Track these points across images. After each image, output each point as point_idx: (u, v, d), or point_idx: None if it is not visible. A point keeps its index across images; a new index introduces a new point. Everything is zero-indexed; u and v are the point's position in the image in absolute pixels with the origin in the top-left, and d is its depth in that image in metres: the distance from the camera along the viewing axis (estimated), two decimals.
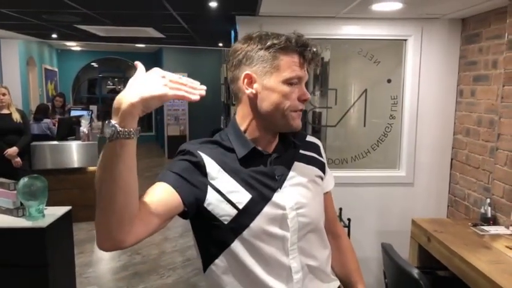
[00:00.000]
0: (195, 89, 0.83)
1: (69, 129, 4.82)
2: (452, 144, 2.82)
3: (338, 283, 1.16)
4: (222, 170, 1.00)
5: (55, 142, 4.67)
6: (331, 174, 1.24)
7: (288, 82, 0.99)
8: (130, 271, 3.41)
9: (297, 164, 1.09)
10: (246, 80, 1.01)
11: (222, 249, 1.01)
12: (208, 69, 8.74)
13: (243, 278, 1.01)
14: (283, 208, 1.01)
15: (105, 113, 10.90)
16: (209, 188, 0.98)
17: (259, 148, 1.05)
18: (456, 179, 2.78)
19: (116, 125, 0.78)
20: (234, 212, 0.98)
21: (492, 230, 2.16)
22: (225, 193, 0.98)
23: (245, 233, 0.98)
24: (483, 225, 2.22)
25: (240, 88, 1.03)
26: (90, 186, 4.61)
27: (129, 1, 2.89)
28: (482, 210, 2.32)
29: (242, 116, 1.06)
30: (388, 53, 2.86)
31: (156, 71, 0.81)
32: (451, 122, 2.80)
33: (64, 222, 2.48)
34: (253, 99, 1.02)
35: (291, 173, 1.06)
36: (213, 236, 1.01)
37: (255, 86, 1.01)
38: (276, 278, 1.01)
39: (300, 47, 0.98)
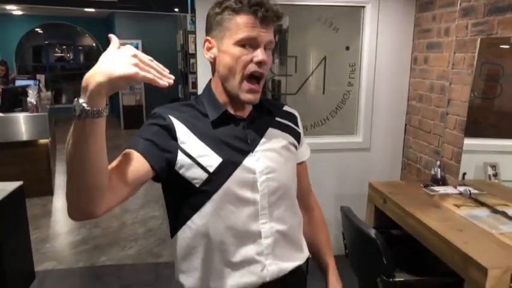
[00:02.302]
0: (163, 76, 0.80)
1: (14, 100, 4.52)
2: (406, 110, 2.93)
3: (307, 255, 1.18)
4: (192, 133, 1.00)
5: (0, 114, 4.37)
6: (307, 145, 1.25)
7: (240, 44, 0.97)
8: (90, 245, 3.35)
9: (271, 130, 1.09)
10: (206, 45, 1.03)
11: (193, 212, 1.02)
12: (164, 36, 8.42)
13: (211, 242, 1.02)
14: (253, 172, 1.02)
15: (54, 83, 10.34)
16: (179, 152, 0.98)
17: (232, 112, 1.05)
18: (409, 143, 2.92)
19: (84, 104, 0.75)
20: (204, 175, 0.98)
21: (441, 190, 2.30)
22: (195, 157, 0.98)
23: (215, 196, 0.99)
24: (433, 186, 2.36)
25: (204, 54, 1.05)
26: (42, 159, 4.45)
27: None
28: (433, 172, 2.46)
29: (213, 81, 1.07)
30: (346, 20, 2.87)
31: (128, 48, 0.77)
32: (406, 89, 2.90)
33: (15, 197, 2.38)
34: (213, 64, 1.04)
35: (264, 138, 1.06)
36: (184, 199, 1.02)
37: (213, 50, 1.02)
38: (245, 242, 1.02)
39: (252, 7, 0.95)
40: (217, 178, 0.99)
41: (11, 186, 2.33)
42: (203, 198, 1.00)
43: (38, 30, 10.01)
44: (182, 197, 1.02)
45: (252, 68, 0.98)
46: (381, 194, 2.33)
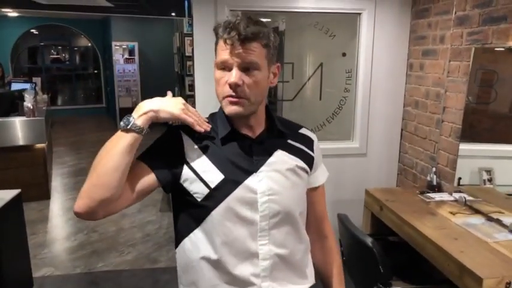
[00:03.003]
0: (203, 123, 1.02)
1: (11, 105, 4.50)
2: (402, 115, 2.95)
3: (311, 283, 1.16)
4: (198, 149, 1.04)
5: None
6: (324, 170, 1.23)
7: (218, 67, 1.01)
8: (87, 250, 3.35)
9: (280, 152, 1.09)
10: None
11: (195, 226, 1.05)
12: (160, 38, 8.42)
13: (209, 257, 1.03)
14: (254, 192, 1.03)
15: (50, 84, 10.30)
16: (185, 166, 1.03)
17: (241, 131, 1.07)
18: (405, 149, 2.94)
19: (133, 119, 0.95)
20: (206, 190, 1.01)
21: (437, 197, 2.32)
22: (199, 172, 1.02)
23: (215, 212, 1.01)
24: (429, 193, 2.38)
25: None
26: (39, 164, 4.44)
27: None
28: (429, 178, 2.49)
29: None
30: (343, 27, 2.89)
31: (181, 99, 1.01)
32: (402, 95, 2.92)
33: (13, 205, 2.38)
34: None
35: (271, 159, 1.07)
36: (187, 211, 1.06)
37: None
38: (242, 262, 1.03)
39: (225, 29, 0.97)
40: (217, 194, 1.01)
41: (9, 194, 2.33)
42: (204, 213, 1.02)
43: (34, 31, 9.98)
44: (186, 210, 1.06)
45: (226, 90, 1.00)
46: (377, 201, 2.35)
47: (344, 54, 2.91)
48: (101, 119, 9.69)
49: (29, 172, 4.28)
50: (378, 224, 2.38)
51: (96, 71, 10.74)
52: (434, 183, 2.44)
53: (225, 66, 0.99)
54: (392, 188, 2.84)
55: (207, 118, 1.11)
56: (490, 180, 2.33)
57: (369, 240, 1.80)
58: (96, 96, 10.89)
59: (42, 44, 10.53)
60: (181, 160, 1.03)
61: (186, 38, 5.96)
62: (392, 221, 2.18)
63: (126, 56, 8.85)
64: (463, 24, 2.23)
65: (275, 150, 1.09)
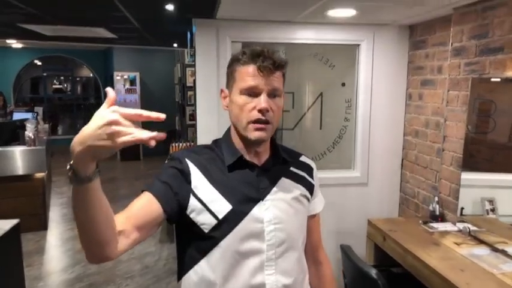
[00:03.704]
0: (151, 134, 0.72)
1: (12, 134, 4.52)
2: (402, 145, 2.95)
3: None
4: (205, 178, 1.03)
5: None
6: (321, 198, 1.26)
7: (244, 93, 1.02)
8: (85, 282, 3.27)
9: (284, 180, 1.11)
10: (222, 94, 1.10)
11: (200, 257, 1.03)
12: (162, 68, 8.55)
13: None
14: (261, 221, 1.03)
15: (51, 113, 10.38)
16: (191, 196, 1.01)
17: (248, 158, 1.08)
18: (407, 178, 2.93)
19: (70, 173, 0.75)
20: (213, 221, 1.00)
21: (440, 226, 2.29)
22: (206, 202, 1.01)
23: (222, 243, 1.00)
24: (432, 223, 2.36)
25: (222, 103, 1.12)
26: (38, 194, 4.41)
27: (79, 1, 2.75)
28: (431, 208, 2.46)
29: (231, 126, 1.12)
30: (342, 57, 2.94)
31: (106, 115, 0.70)
32: (401, 124, 2.94)
33: (11, 236, 2.33)
34: (228, 112, 1.09)
35: (276, 188, 1.08)
36: (193, 242, 1.04)
37: (227, 99, 1.08)
38: None
39: (253, 57, 1.01)
40: (225, 225, 1.00)
41: (7, 224, 2.30)
42: (211, 244, 1.01)
43: (37, 62, 10.15)
44: (192, 241, 1.04)
45: (255, 115, 1.01)
46: (380, 231, 2.31)
47: (343, 84, 2.95)
48: None
49: (27, 202, 4.24)
50: (382, 255, 2.34)
51: (97, 101, 10.84)
52: (437, 213, 2.41)
53: (251, 92, 1.01)
54: (395, 218, 2.81)
55: (210, 145, 1.13)
56: (492, 210, 2.31)
57: (373, 272, 1.77)
58: None
59: (44, 74, 10.68)
60: (188, 190, 1.01)
61: (187, 69, 6.08)
62: (395, 251, 2.14)
63: (128, 86, 8.95)
64: (460, 55, 2.27)
65: (280, 178, 1.10)
